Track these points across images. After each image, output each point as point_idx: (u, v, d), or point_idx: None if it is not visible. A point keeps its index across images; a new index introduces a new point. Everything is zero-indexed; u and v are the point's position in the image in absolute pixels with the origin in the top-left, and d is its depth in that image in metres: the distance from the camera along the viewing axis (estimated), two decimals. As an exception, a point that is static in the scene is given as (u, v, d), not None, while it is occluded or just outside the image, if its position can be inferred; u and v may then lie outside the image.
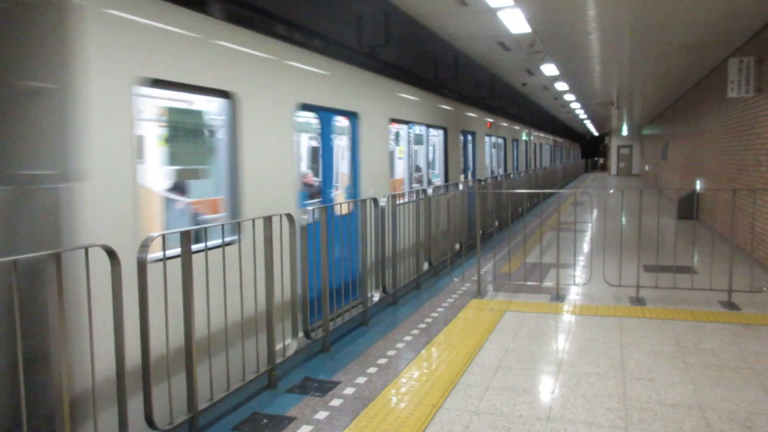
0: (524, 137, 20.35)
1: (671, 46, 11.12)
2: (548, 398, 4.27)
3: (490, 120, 15.36)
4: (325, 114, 6.69)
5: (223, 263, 4.09)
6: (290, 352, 4.87)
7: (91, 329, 3.04)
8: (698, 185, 14.73)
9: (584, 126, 40.66)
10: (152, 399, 3.41)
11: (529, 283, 7.60)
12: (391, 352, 5.26)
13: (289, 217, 4.83)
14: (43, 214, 3.37)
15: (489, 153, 15.76)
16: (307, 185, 7.88)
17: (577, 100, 22.80)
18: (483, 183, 12.37)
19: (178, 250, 3.69)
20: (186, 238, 3.64)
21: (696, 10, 8.43)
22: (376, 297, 6.64)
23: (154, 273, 3.47)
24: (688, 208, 13.68)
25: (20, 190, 3.36)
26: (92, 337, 3.04)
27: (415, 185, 10.55)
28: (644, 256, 7.27)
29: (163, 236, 3.55)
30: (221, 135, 5.00)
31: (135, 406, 3.44)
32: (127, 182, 3.73)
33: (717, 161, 12.92)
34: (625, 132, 41.59)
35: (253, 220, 4.69)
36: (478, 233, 7.80)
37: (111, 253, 3.08)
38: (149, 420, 3.42)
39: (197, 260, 3.79)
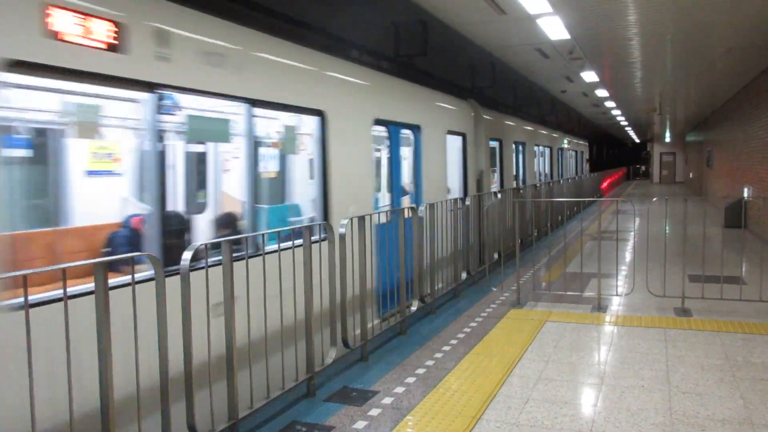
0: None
1: (716, 49, 10.84)
2: (590, 411, 4.18)
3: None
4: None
5: (264, 272, 4.14)
6: (329, 360, 4.89)
7: (135, 336, 3.10)
8: (746, 193, 14.28)
9: (625, 132, 39.85)
10: (194, 406, 3.47)
11: (569, 293, 7.47)
12: (430, 362, 5.23)
13: (328, 225, 4.86)
14: None
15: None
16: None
17: (617, 107, 22.39)
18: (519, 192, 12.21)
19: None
20: (228, 248, 3.69)
21: (741, 13, 8.20)
22: (415, 306, 6.62)
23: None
24: (736, 216, 13.26)
25: None
26: (137, 343, 3.11)
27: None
28: (689, 265, 7.07)
29: (206, 245, 3.62)
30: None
31: (177, 413, 3.49)
32: None
33: (766, 168, 12.51)
34: (668, 139, 40.69)
35: (293, 229, 4.74)
36: (517, 242, 7.71)
37: (155, 262, 3.15)
38: (191, 427, 3.47)
39: (240, 269, 3.85)
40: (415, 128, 8.04)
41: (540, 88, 16.13)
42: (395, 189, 7.67)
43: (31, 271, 2.59)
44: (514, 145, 13.42)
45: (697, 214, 11.61)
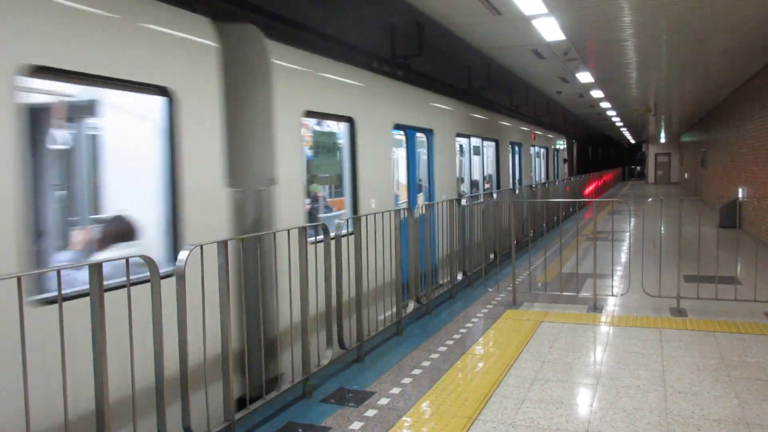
0: None
1: (710, 51, 10.87)
2: (586, 411, 4.19)
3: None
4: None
5: (259, 272, 4.14)
6: (325, 361, 4.88)
7: (131, 336, 3.09)
8: (741, 193, 14.34)
9: (620, 133, 39.94)
10: (190, 407, 3.46)
11: (565, 293, 7.48)
12: (426, 363, 5.23)
13: (324, 227, 4.86)
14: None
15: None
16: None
17: (613, 108, 22.45)
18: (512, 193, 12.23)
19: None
20: (223, 250, 3.68)
21: (735, 15, 8.23)
22: (411, 307, 6.62)
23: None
24: (731, 216, 13.31)
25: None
26: (132, 344, 3.10)
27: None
28: (685, 265, 7.09)
29: (201, 247, 3.61)
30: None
31: (172, 414, 3.48)
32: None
33: (760, 168, 12.56)
34: (663, 139, 40.81)
35: (288, 231, 4.73)
36: (513, 243, 7.72)
37: (150, 262, 3.14)
38: (187, 428, 3.46)
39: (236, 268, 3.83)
40: None
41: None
42: None
43: (26, 272, 2.58)
44: (403, 133, 8.01)
45: (692, 215, 11.66)
